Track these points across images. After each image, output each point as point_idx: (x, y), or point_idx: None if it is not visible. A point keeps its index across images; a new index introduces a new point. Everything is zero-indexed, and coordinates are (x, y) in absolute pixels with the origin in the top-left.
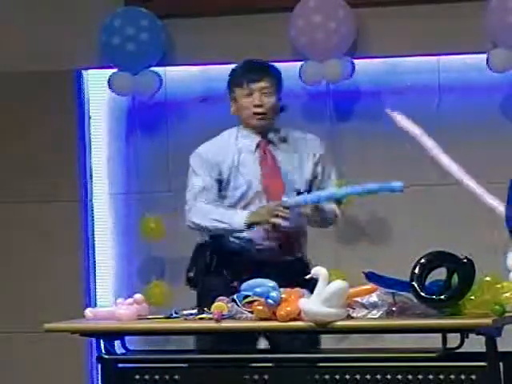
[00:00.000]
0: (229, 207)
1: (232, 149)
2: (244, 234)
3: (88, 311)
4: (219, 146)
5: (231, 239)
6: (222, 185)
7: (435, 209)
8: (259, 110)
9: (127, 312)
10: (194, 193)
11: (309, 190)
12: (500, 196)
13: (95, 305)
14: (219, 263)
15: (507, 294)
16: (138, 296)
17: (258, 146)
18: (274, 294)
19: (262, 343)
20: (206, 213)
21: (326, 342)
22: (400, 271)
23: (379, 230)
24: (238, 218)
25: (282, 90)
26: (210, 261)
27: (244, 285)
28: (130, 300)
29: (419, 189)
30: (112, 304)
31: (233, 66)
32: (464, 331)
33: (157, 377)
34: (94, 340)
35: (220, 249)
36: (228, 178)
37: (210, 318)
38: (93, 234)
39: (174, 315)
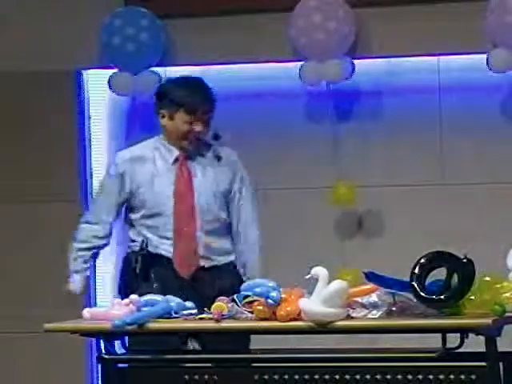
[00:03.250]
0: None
1: (150, 159)
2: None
3: (86, 311)
4: (135, 157)
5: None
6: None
7: (435, 209)
8: (197, 136)
9: (120, 313)
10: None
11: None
12: (500, 196)
13: (95, 305)
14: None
15: (507, 294)
16: (133, 296)
17: (176, 160)
18: (274, 294)
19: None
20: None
21: (327, 341)
22: (400, 271)
23: (379, 230)
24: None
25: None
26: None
27: (244, 285)
28: (126, 300)
29: (419, 189)
30: (109, 304)
31: (233, 66)
32: (464, 331)
33: (157, 377)
34: (93, 340)
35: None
36: (137, 190)
37: (210, 318)
38: None
39: (174, 315)
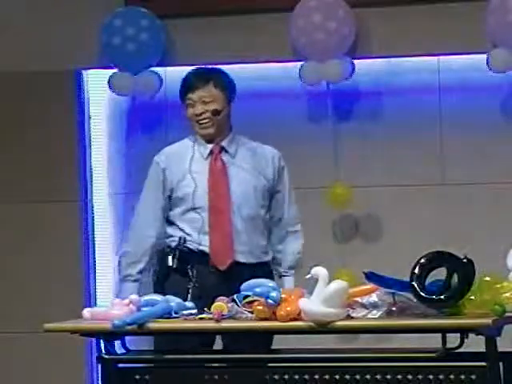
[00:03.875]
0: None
1: (187, 156)
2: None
3: (85, 311)
4: (173, 154)
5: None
6: (170, 195)
7: (435, 209)
8: (202, 118)
9: (120, 313)
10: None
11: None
12: (500, 196)
13: (95, 305)
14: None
15: (507, 294)
16: (133, 296)
17: (210, 153)
18: (273, 294)
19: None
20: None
21: (327, 341)
22: (399, 271)
23: (379, 230)
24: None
25: (230, 96)
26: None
27: (244, 285)
28: (126, 301)
29: (419, 189)
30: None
31: (233, 66)
32: (464, 331)
33: (157, 377)
34: (93, 340)
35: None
36: (177, 186)
37: (210, 318)
38: (93, 234)
39: (174, 315)
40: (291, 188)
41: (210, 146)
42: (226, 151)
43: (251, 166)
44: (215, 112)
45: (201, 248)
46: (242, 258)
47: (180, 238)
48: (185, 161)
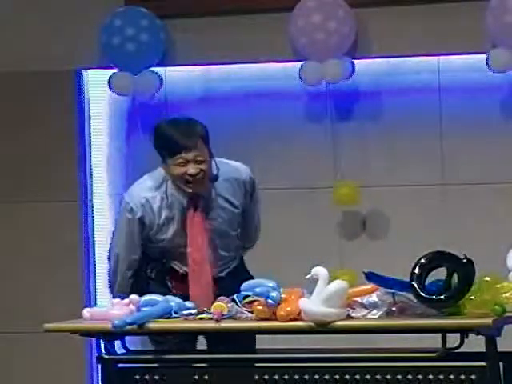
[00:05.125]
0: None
1: (159, 203)
2: None
3: (85, 311)
4: (145, 205)
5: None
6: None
7: (435, 209)
8: (195, 178)
9: (120, 313)
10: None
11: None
12: (500, 196)
13: (95, 305)
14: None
15: (507, 294)
16: (133, 296)
17: (185, 207)
18: (274, 294)
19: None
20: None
21: (327, 341)
22: (399, 271)
23: (380, 230)
24: None
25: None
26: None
27: (244, 285)
28: (126, 300)
29: (419, 189)
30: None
31: (233, 66)
32: (464, 331)
33: (157, 377)
34: (93, 340)
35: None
36: (152, 232)
37: (210, 318)
38: (93, 234)
39: (174, 315)
40: (256, 201)
41: (185, 197)
42: (200, 200)
43: (228, 201)
44: (207, 171)
45: (179, 270)
46: (221, 274)
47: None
48: (160, 208)
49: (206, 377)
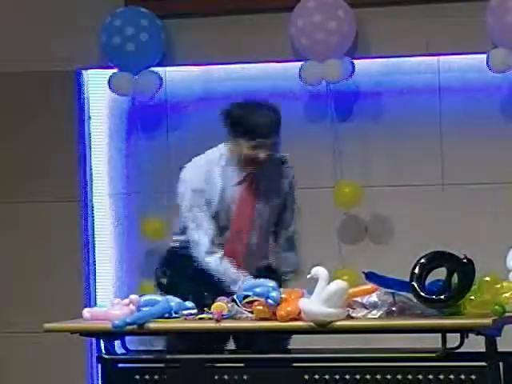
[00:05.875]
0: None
1: (216, 175)
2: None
3: (86, 311)
4: (203, 173)
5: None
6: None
7: (435, 209)
8: (261, 162)
9: (120, 313)
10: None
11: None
12: (500, 196)
13: (95, 305)
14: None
15: (507, 294)
16: (133, 296)
17: (243, 180)
18: (274, 294)
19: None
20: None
21: (327, 341)
22: (399, 271)
23: (380, 230)
24: None
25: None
26: (184, 267)
27: (244, 285)
28: (126, 300)
29: (419, 189)
30: (109, 304)
31: (233, 65)
32: (464, 331)
33: (156, 377)
34: (94, 340)
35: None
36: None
37: (210, 318)
38: (93, 234)
39: (174, 315)
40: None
41: (241, 173)
42: (255, 180)
43: (276, 191)
44: (282, 162)
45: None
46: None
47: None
48: (216, 181)
49: (206, 377)
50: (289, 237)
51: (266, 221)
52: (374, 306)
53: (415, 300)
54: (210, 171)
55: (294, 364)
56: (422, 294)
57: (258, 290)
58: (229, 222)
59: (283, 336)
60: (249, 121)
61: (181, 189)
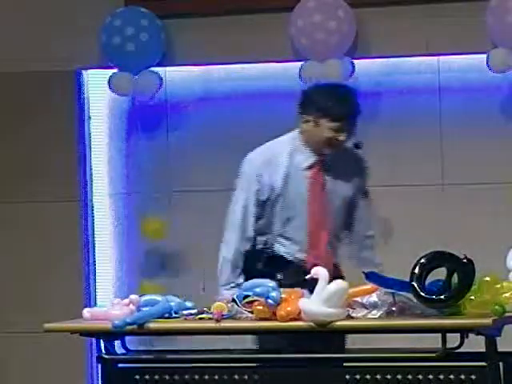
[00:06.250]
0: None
1: (282, 164)
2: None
3: (86, 311)
4: (269, 158)
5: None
6: (265, 200)
7: (435, 209)
8: (340, 144)
9: (120, 313)
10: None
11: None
12: (500, 196)
13: (95, 305)
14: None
15: (507, 294)
16: (133, 296)
17: (311, 166)
18: (273, 294)
19: None
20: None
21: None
22: (399, 271)
23: (380, 230)
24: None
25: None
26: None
27: (244, 284)
28: (126, 300)
29: (419, 189)
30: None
31: (233, 65)
32: (464, 331)
33: (157, 377)
34: (94, 340)
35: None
36: (271, 196)
37: (210, 318)
38: (93, 234)
39: (174, 315)
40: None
41: (312, 157)
42: (325, 164)
43: (346, 180)
44: (357, 146)
45: (288, 258)
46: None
47: (266, 242)
48: (281, 167)
49: (206, 377)
50: (366, 235)
51: (338, 208)
52: (374, 306)
53: (415, 300)
54: (274, 154)
55: (294, 364)
56: (422, 294)
57: (258, 290)
58: (296, 208)
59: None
60: (335, 101)
61: (242, 169)
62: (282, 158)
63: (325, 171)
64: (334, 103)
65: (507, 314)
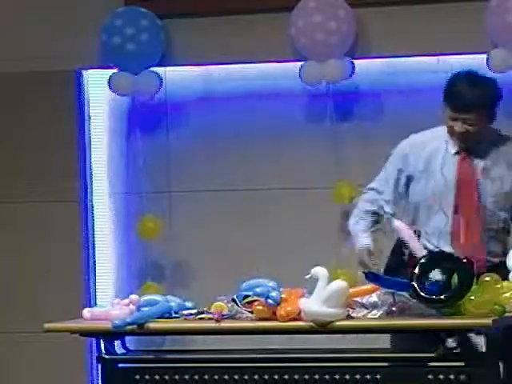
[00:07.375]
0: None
1: (430, 150)
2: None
3: (86, 311)
4: (421, 141)
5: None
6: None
7: None
8: (459, 135)
9: (120, 313)
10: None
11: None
12: None
13: (95, 305)
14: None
15: (507, 294)
16: (133, 296)
17: (458, 152)
18: (273, 293)
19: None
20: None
21: (327, 341)
22: None
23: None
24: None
25: (496, 105)
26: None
27: (244, 284)
28: (126, 300)
29: None
30: (109, 304)
31: (233, 66)
32: (464, 331)
33: (157, 377)
34: (94, 340)
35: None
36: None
37: (210, 318)
38: (93, 234)
39: (174, 315)
40: None
41: (458, 145)
42: (473, 153)
43: (498, 171)
44: (474, 133)
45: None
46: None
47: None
48: (436, 156)
49: (206, 377)
50: None
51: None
52: (374, 306)
53: (415, 300)
54: (425, 140)
55: (295, 364)
56: (422, 294)
57: (258, 289)
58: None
59: None
60: (456, 93)
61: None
62: (431, 141)
63: (472, 160)
64: (453, 93)
65: (507, 314)
